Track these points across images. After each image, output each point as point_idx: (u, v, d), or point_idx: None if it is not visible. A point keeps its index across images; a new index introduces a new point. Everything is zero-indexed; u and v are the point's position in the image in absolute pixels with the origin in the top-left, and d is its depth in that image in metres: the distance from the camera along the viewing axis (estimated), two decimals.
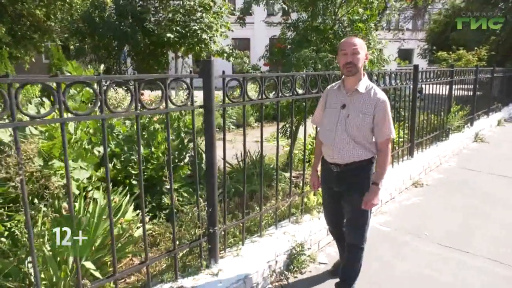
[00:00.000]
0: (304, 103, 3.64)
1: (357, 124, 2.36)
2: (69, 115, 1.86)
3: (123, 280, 2.68)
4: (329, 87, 2.65)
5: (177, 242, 2.64)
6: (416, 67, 5.55)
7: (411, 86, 5.61)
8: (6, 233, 2.43)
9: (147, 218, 3.09)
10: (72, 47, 13.68)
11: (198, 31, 10.43)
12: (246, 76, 2.73)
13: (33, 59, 17.00)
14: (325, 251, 3.42)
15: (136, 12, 11.22)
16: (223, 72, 2.62)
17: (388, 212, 4.33)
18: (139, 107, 2.13)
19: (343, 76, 2.48)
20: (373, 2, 4.38)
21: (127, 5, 11.09)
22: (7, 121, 1.69)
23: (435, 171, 5.97)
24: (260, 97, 2.86)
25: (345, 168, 2.46)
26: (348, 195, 2.53)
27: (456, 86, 7.56)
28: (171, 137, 3.67)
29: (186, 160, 4.07)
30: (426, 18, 23.32)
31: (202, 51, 11.39)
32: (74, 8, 15.20)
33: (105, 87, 1.95)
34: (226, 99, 2.64)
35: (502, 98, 11.71)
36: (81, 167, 2.81)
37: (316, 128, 3.21)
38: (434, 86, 6.27)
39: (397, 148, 5.33)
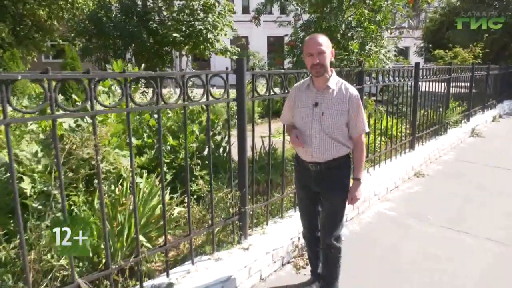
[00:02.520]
0: None
1: (333, 121, 2.33)
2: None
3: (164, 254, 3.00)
4: (296, 85, 2.57)
5: (209, 222, 2.99)
6: (417, 64, 5.91)
7: (413, 83, 5.97)
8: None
9: (178, 201, 3.41)
10: (67, 46, 14.00)
11: (204, 31, 10.74)
12: (272, 73, 3.07)
13: (35, 59, 17.24)
14: None
15: (141, 11, 11.52)
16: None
17: (393, 199, 4.68)
18: (186, 99, 2.45)
19: (311, 75, 2.41)
20: (381, 5, 4.71)
21: (132, 5, 11.39)
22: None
23: (435, 163, 6.34)
24: (283, 91, 3.20)
25: (324, 166, 2.41)
26: (328, 193, 2.49)
27: (453, 83, 7.94)
28: (196, 131, 4.00)
29: (205, 152, 4.40)
30: (422, 16, 23.75)
31: (206, 49, 11.73)
32: (76, 7, 15.45)
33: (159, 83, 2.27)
34: (255, 92, 2.97)
35: (496, 95, 12.12)
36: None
37: None
38: (432, 83, 6.64)
39: (398, 141, 5.69)
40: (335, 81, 2.37)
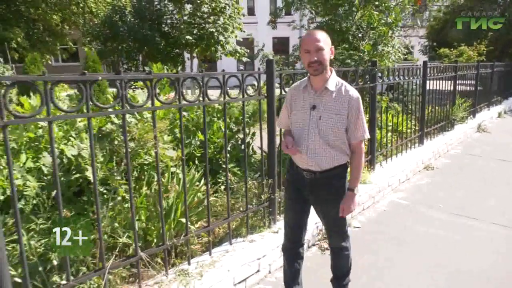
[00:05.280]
0: None
1: (331, 125, 2.15)
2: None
3: (200, 238, 3.32)
4: (293, 86, 2.41)
5: (240, 209, 3.32)
6: (425, 63, 6.20)
7: (421, 80, 6.26)
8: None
9: (211, 191, 3.73)
10: (87, 49, 14.46)
11: (215, 33, 11.08)
12: (296, 72, 3.38)
13: (49, 61, 17.74)
14: (357, 219, 4.06)
15: (154, 15, 11.89)
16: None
17: (405, 190, 4.98)
18: (226, 97, 2.78)
19: (308, 75, 2.25)
20: (390, 6, 5.03)
21: (146, 9, 11.76)
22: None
23: (443, 157, 6.63)
24: None
25: (320, 175, 2.24)
26: (323, 204, 2.36)
27: (458, 81, 8.22)
28: (222, 127, 4.32)
29: (228, 148, 4.72)
30: (427, 15, 23.99)
31: (217, 51, 12.07)
32: (87, 11, 15.90)
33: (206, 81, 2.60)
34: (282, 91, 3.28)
35: (501, 92, 12.38)
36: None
37: None
38: (439, 80, 6.93)
39: (407, 137, 5.99)
40: (334, 82, 2.19)
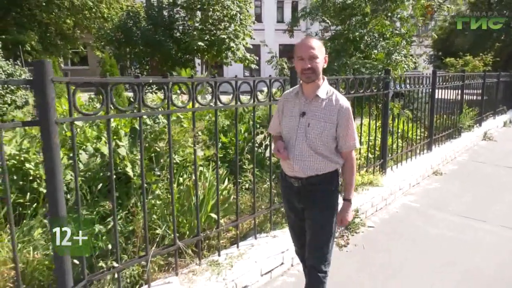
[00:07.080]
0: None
1: (319, 133, 2.13)
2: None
3: (225, 232, 3.52)
4: (285, 93, 2.40)
5: (263, 207, 3.52)
6: (434, 72, 6.43)
7: (430, 89, 6.47)
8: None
9: (232, 190, 3.94)
10: (105, 54, 14.79)
11: (226, 40, 11.36)
12: None
13: (62, 65, 18.09)
14: (371, 219, 4.26)
15: (166, 21, 12.20)
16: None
17: (415, 194, 5.18)
18: (256, 101, 3.00)
19: (301, 82, 2.23)
20: (403, 17, 5.26)
21: (159, 16, 12.07)
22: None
23: (451, 163, 6.82)
24: None
25: (307, 182, 2.21)
26: (310, 211, 2.29)
27: (465, 90, 8.42)
28: (242, 130, 4.53)
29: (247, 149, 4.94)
30: (432, 24, 24.24)
31: (228, 57, 12.35)
32: (99, 17, 16.27)
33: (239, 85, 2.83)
34: None
35: (507, 101, 12.57)
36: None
37: None
38: (446, 89, 7.14)
39: (415, 143, 6.19)
40: (325, 90, 2.18)
